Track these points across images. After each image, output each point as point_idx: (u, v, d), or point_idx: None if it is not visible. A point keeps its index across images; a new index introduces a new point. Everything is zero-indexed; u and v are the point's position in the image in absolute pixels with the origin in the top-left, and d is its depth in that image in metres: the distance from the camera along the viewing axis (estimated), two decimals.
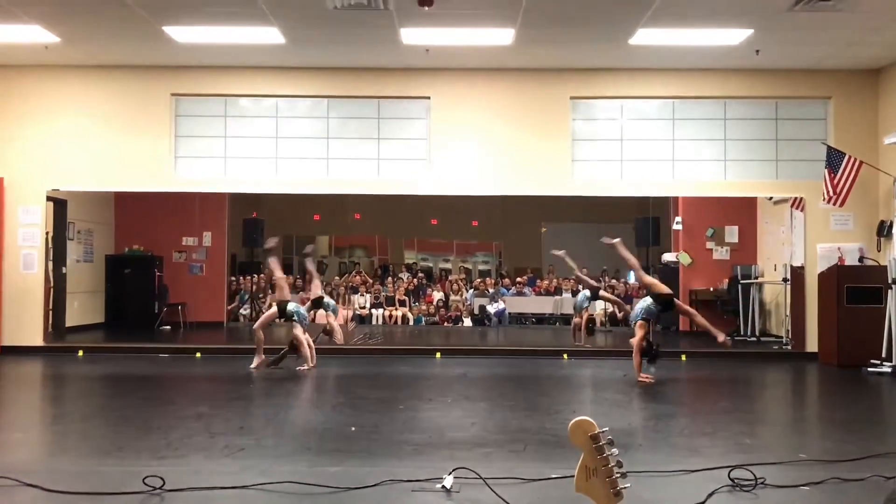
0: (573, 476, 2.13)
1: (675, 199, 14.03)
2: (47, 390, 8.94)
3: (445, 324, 16.07)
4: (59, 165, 11.21)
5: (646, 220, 13.80)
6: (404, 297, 17.02)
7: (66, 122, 11.24)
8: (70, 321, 13.35)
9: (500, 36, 9.75)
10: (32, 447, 5.88)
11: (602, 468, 2.16)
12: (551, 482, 4.52)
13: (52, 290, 12.49)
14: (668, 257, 14.61)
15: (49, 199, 11.58)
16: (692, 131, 11.39)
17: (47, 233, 11.64)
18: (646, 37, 9.70)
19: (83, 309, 13.99)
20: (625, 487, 2.08)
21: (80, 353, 11.05)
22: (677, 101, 11.39)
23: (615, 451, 2.23)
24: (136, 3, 8.63)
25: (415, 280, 17.89)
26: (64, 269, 13.14)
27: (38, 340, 11.16)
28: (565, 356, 10.90)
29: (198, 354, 10.78)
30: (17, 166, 11.13)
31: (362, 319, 16.32)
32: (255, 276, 16.83)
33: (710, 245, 14.17)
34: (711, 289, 13.97)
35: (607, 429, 2.14)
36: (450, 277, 18.50)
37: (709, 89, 11.30)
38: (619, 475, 2.20)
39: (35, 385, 9.19)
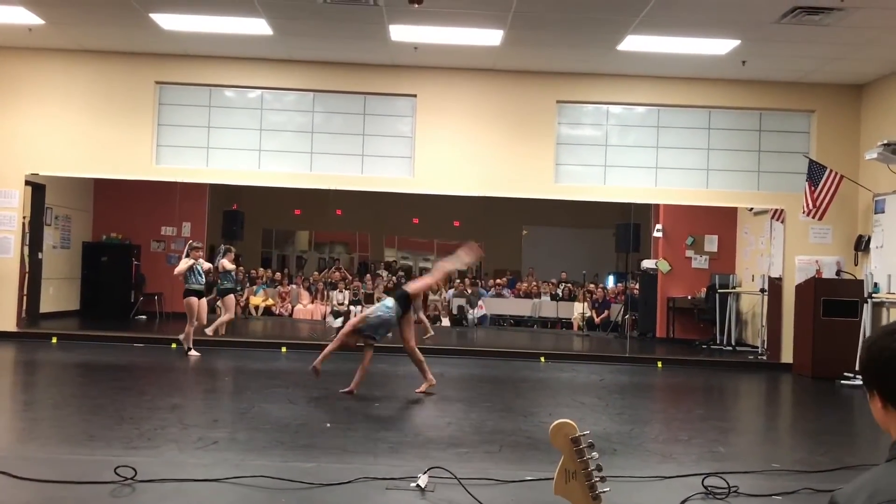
0: (549, 478, 2.12)
1: (657, 206, 14.08)
2: (19, 376, 8.82)
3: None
4: (39, 149, 11.06)
5: (627, 226, 13.83)
6: (383, 295, 16.96)
7: (47, 106, 11.10)
8: (45, 307, 13.19)
9: (489, 37, 9.74)
10: (2, 433, 5.80)
11: (582, 472, 2.15)
12: (526, 484, 4.51)
13: (27, 275, 12.33)
14: (647, 264, 14.67)
15: (27, 183, 11.44)
16: (676, 139, 11.44)
17: (24, 217, 11.49)
18: (634, 43, 9.73)
19: (58, 295, 13.83)
20: (604, 491, 2.07)
21: (54, 339, 10.93)
22: (662, 109, 11.44)
23: (595, 454, 2.22)
24: None
25: (394, 278, 17.83)
26: (40, 255, 12.98)
27: (11, 326, 11.02)
28: (542, 359, 10.91)
29: (173, 345, 10.68)
30: None
31: (339, 315, 16.24)
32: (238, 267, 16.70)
33: (689, 253, 14.24)
34: (689, 297, 14.04)
35: (588, 432, 2.13)
36: None
37: (694, 98, 11.35)
38: (598, 479, 2.19)
39: (7, 371, 9.06)
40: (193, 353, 9.92)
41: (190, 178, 11.66)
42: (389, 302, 7.65)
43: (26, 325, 11.67)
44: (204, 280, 10.28)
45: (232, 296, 11.26)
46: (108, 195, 14.75)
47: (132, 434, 5.51)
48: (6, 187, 11.03)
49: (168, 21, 9.59)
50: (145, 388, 8.02)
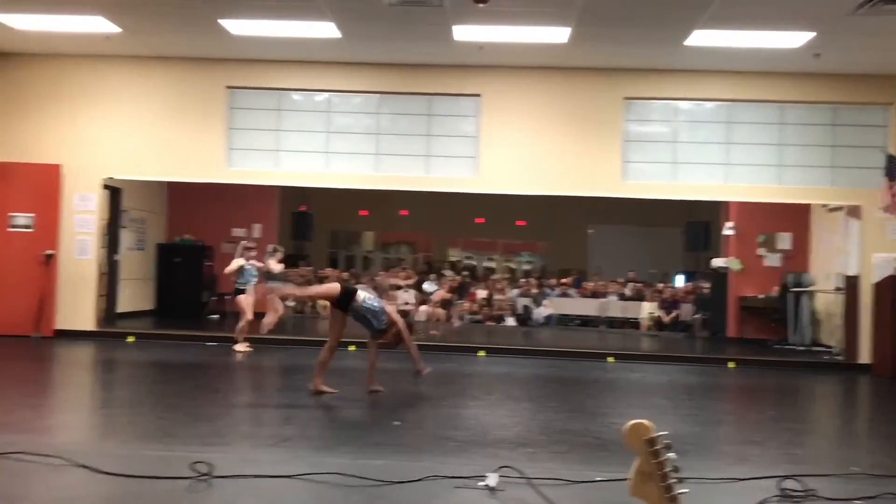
0: (619, 480, 2.10)
1: (727, 203, 13.79)
2: (98, 374, 9.12)
3: (489, 322, 16.04)
4: (115, 154, 11.41)
5: (697, 224, 13.58)
6: (448, 296, 17.00)
7: (122, 112, 11.44)
8: (121, 307, 13.60)
9: (556, 34, 9.68)
10: (83, 429, 6.01)
11: (658, 473, 2.12)
12: (596, 485, 4.47)
13: (105, 276, 12.73)
14: (717, 263, 14.38)
15: (105, 187, 11.81)
16: (747, 135, 11.18)
17: (102, 220, 11.85)
18: (702, 38, 9.55)
19: (134, 296, 14.24)
20: (682, 493, 2.04)
21: (131, 338, 11.25)
22: (732, 104, 11.20)
23: (672, 455, 2.19)
24: None
25: (458, 278, 17.87)
26: (117, 256, 13.38)
27: (90, 325, 11.39)
28: (610, 359, 10.80)
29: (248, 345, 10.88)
30: (74, 154, 11.35)
31: (405, 316, 16.34)
32: (303, 268, 16.94)
33: (761, 251, 13.90)
34: (761, 296, 13.72)
35: (665, 433, 2.10)
36: (493, 276, 18.44)
37: (765, 92, 11.08)
38: (675, 480, 2.16)
39: (87, 369, 9.39)
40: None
41: (260, 180, 11.89)
42: (368, 293, 7.53)
43: (104, 325, 12.05)
44: (255, 279, 10.49)
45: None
46: (181, 198, 15.14)
47: (207, 431, 5.65)
48: (85, 191, 11.40)
49: (237, 27, 9.78)
50: (218, 385, 8.21)
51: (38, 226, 11.22)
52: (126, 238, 13.90)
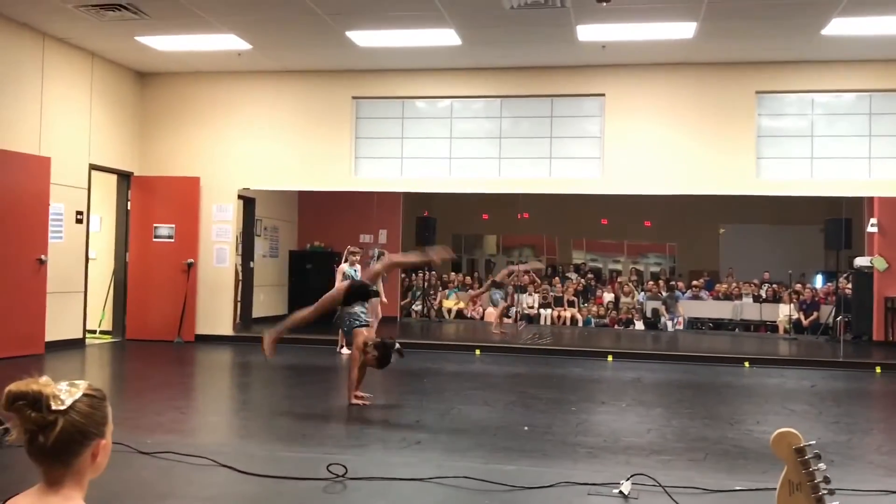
0: (760, 489, 2.01)
1: (871, 199, 13.03)
2: (236, 377, 9.52)
3: (616, 326, 15.77)
4: (249, 166, 11.90)
5: (837, 221, 12.88)
6: (573, 298, 16.84)
7: (255, 125, 11.92)
8: (256, 313, 14.16)
9: (681, 30, 9.42)
10: (226, 430, 6.28)
11: (807, 483, 2.03)
12: (735, 494, 4.31)
13: (240, 283, 13.30)
14: (860, 261, 13.61)
15: (240, 197, 12.34)
16: (892, 127, 10.53)
17: (238, 229, 12.40)
18: (841, 26, 9.07)
19: (268, 301, 14.80)
20: None
21: None
22: (875, 95, 10.58)
23: (822, 465, 2.08)
24: (324, 11, 9.02)
25: (583, 281, 17.66)
26: (252, 264, 13.95)
27: (227, 330, 11.91)
28: (747, 364, 10.40)
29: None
30: (211, 167, 11.92)
31: (530, 319, 16.30)
32: (427, 272, 17.18)
33: None
34: None
35: (814, 442, 2.00)
36: (619, 279, 18.11)
37: None
38: (826, 492, 2.05)
39: (226, 372, 9.82)
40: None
41: (386, 187, 12.13)
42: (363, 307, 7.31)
43: (240, 330, 12.57)
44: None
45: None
46: (311, 206, 15.63)
47: (341, 433, 5.80)
48: (222, 202, 11.94)
49: (363, 38, 10.02)
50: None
51: (179, 236, 11.83)
52: (260, 246, 14.47)
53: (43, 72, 10.11)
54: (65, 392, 1.60)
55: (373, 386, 8.57)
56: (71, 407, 1.58)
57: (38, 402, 1.56)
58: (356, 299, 7.10)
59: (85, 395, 1.62)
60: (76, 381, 1.63)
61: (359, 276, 10.64)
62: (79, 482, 1.63)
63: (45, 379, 1.60)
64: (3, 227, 9.29)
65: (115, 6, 8.89)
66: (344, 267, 10.60)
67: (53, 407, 1.57)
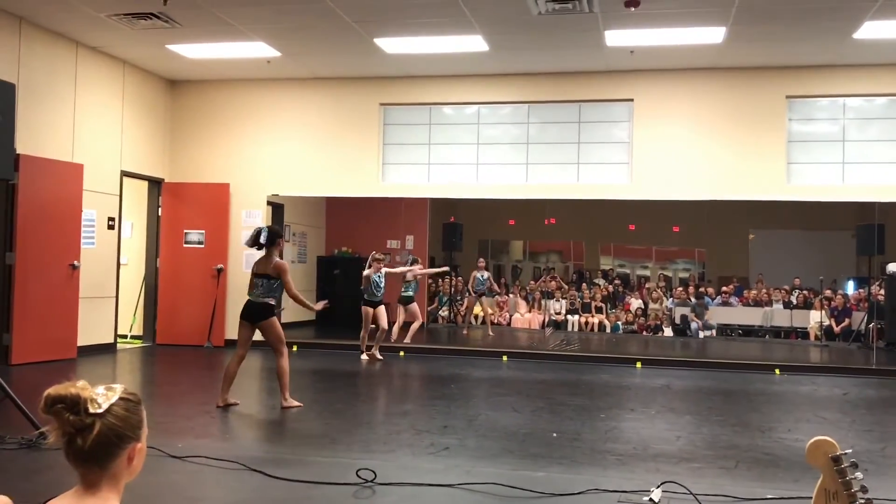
0: (792, 498, 1.99)
1: None
2: (265, 382, 9.56)
3: (644, 332, 15.65)
4: (278, 172, 11.99)
5: (869, 227, 12.68)
6: (601, 304, 16.75)
7: (283, 132, 12.01)
8: (284, 318, 14.18)
9: (710, 35, 9.37)
10: (255, 435, 6.32)
11: (844, 493, 2.00)
12: (766, 503, 4.26)
13: None
14: (893, 268, 13.41)
15: (268, 203, 12.42)
16: None
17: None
18: (874, 30, 8.96)
19: (297, 307, 14.78)
20: None
21: (294, 348, 11.73)
22: None
23: (859, 474, 2.05)
24: (352, 19, 9.07)
25: (610, 287, 17.55)
26: None
27: (257, 335, 11.94)
28: (777, 371, 10.28)
29: (401, 353, 11.15)
30: (241, 173, 12.03)
31: (558, 325, 16.24)
32: (454, 278, 17.16)
33: None
34: None
35: (850, 450, 1.97)
36: (647, 285, 17.99)
37: None
38: (863, 501, 2.02)
39: (255, 376, 9.86)
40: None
41: (413, 193, 12.16)
42: None
43: None
44: (381, 290, 10.68)
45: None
46: (339, 212, 15.69)
47: (369, 438, 5.81)
48: (251, 208, 12.04)
49: (391, 45, 10.06)
50: (377, 393, 8.44)
51: (208, 241, 11.95)
52: (289, 251, 14.54)
53: (76, 80, 10.27)
54: (102, 396, 1.62)
55: (400, 392, 8.59)
56: (108, 410, 1.60)
57: (76, 405, 1.59)
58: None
59: (121, 398, 1.64)
60: (113, 385, 1.66)
61: (384, 282, 10.69)
62: (115, 485, 1.65)
63: (82, 383, 1.63)
64: (37, 233, 9.44)
65: (147, 15, 9.01)
66: (369, 273, 10.64)
67: (91, 410, 1.59)
